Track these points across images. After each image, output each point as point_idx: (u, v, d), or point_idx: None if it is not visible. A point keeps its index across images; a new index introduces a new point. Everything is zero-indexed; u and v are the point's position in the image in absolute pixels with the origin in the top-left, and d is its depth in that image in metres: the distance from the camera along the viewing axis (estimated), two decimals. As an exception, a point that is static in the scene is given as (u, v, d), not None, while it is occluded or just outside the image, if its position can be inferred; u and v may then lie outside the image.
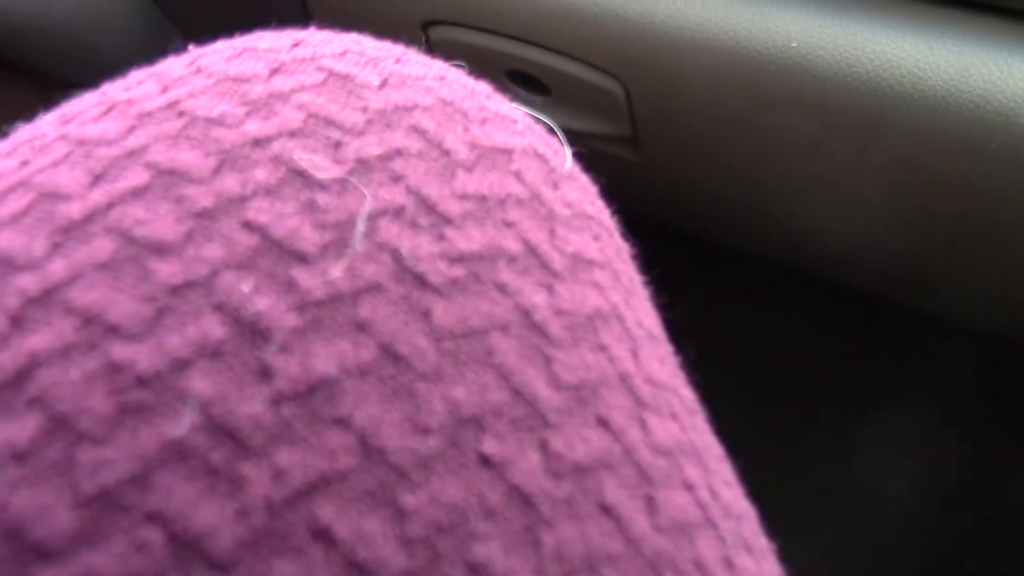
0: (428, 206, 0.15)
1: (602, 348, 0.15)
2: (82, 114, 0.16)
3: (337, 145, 0.15)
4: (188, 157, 0.14)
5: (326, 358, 0.13)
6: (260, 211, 0.14)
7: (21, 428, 0.12)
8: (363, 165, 0.15)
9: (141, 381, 0.12)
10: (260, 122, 0.15)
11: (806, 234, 0.47)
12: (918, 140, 0.35)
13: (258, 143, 0.15)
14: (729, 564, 0.15)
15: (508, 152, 0.17)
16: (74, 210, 0.14)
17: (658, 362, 0.17)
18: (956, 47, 0.33)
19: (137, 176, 0.14)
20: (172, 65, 0.17)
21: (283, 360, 0.13)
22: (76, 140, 0.15)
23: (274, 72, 0.16)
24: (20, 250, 0.13)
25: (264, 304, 0.13)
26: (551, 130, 0.19)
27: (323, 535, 0.12)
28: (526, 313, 0.15)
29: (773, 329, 0.76)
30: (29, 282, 0.13)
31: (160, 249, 0.13)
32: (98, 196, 0.14)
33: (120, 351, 0.12)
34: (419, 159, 0.15)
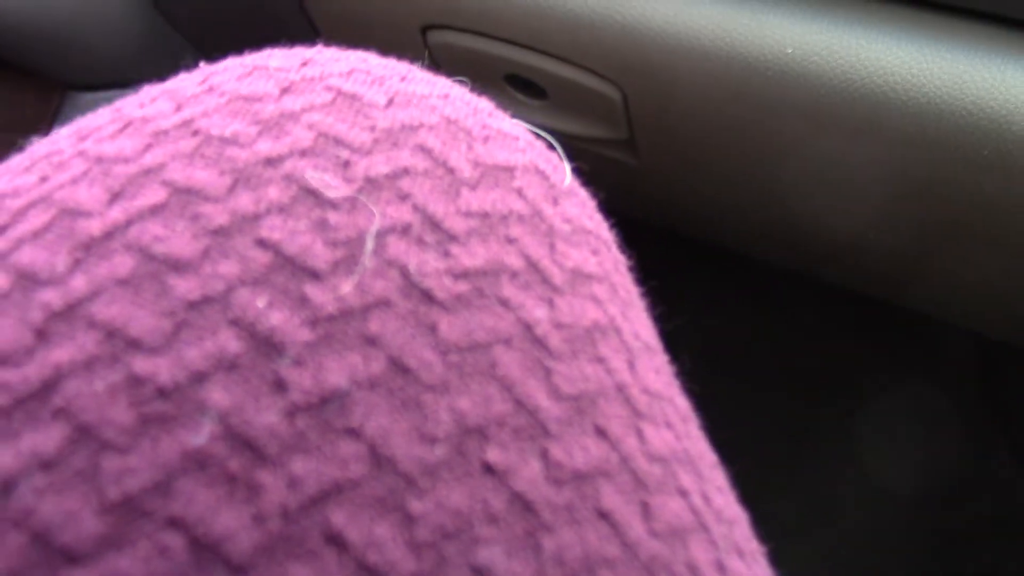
0: (434, 223, 0.16)
1: (600, 360, 0.16)
2: (98, 131, 0.16)
3: (346, 164, 0.16)
4: (203, 175, 0.15)
5: (338, 371, 0.14)
6: (273, 229, 0.14)
7: (47, 437, 0.12)
8: (371, 184, 0.15)
9: (162, 393, 0.13)
10: (272, 141, 0.16)
11: (800, 236, 0.47)
12: (912, 146, 0.35)
13: (270, 162, 0.15)
14: (721, 567, 0.16)
15: (510, 169, 0.17)
16: (94, 227, 0.14)
17: (654, 372, 0.17)
18: (950, 54, 0.33)
19: (154, 194, 0.15)
20: (184, 83, 0.17)
21: (297, 373, 0.13)
22: (94, 157, 0.16)
23: (284, 91, 0.17)
24: (43, 266, 0.14)
25: (278, 319, 0.14)
26: (551, 146, 0.20)
27: (336, 540, 0.13)
28: (528, 327, 0.15)
29: (770, 329, 0.76)
30: (52, 297, 0.13)
31: (178, 265, 0.14)
32: (117, 213, 0.14)
33: (141, 364, 0.13)
34: (425, 177, 0.16)
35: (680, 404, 0.18)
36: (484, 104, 0.19)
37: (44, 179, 0.16)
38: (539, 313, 0.16)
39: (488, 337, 0.15)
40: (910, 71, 0.33)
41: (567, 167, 0.19)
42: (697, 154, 0.44)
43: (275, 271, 0.14)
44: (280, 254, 0.14)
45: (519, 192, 0.17)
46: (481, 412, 0.14)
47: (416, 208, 0.16)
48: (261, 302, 0.14)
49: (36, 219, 0.15)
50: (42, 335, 0.13)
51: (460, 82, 0.19)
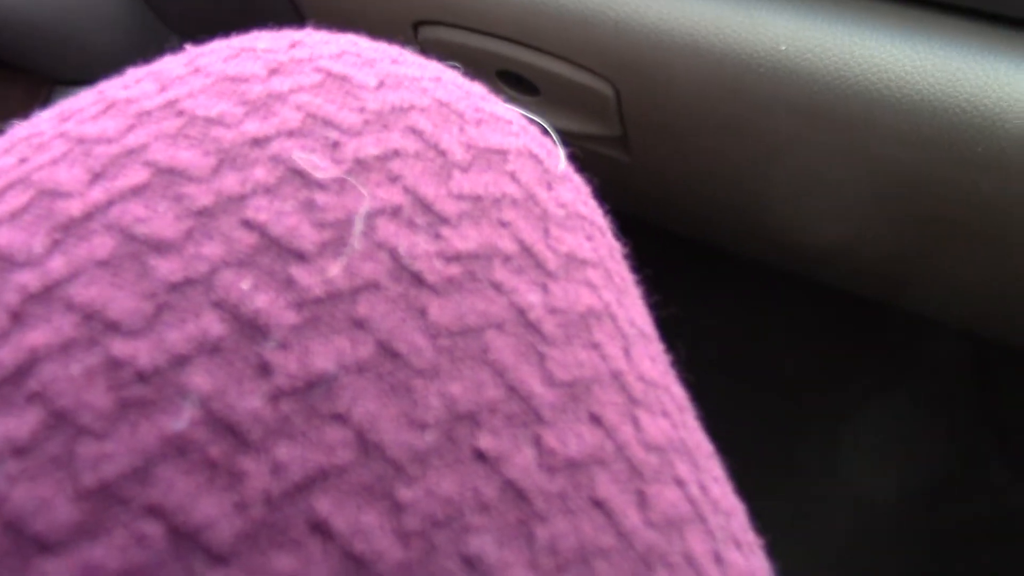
0: (425, 206, 0.15)
1: (595, 346, 0.16)
2: (80, 112, 0.16)
3: (335, 145, 0.15)
4: (187, 156, 0.15)
5: (324, 355, 0.13)
6: (259, 210, 0.14)
7: (21, 423, 0.12)
8: (361, 165, 0.15)
9: (141, 377, 0.12)
10: (259, 122, 0.15)
11: (792, 235, 0.47)
12: (905, 143, 0.35)
13: (257, 142, 0.15)
14: (718, 558, 0.15)
15: (503, 153, 0.17)
16: (74, 207, 0.14)
17: (650, 360, 0.17)
18: (943, 52, 0.33)
19: (136, 174, 0.14)
20: (170, 64, 0.17)
21: (282, 356, 0.13)
22: (75, 138, 0.15)
23: (272, 72, 0.16)
24: (20, 247, 0.13)
25: (263, 301, 0.13)
26: (545, 131, 0.19)
27: (321, 528, 0.12)
28: (521, 311, 0.15)
29: (761, 329, 0.76)
30: (29, 279, 0.13)
31: (160, 247, 0.13)
32: (98, 194, 0.14)
33: (120, 347, 0.13)
34: (416, 159, 0.16)
35: (676, 393, 0.18)
36: (477, 88, 0.19)
37: (23, 160, 0.15)
38: (532, 298, 0.15)
39: (480, 321, 0.14)
40: (903, 68, 0.33)
41: (561, 152, 0.19)
42: (690, 151, 0.44)
43: (260, 253, 0.14)
44: (266, 235, 0.14)
45: (512, 176, 0.17)
46: (472, 398, 0.14)
47: (407, 190, 0.15)
48: (246, 284, 0.13)
49: (14, 200, 0.14)
50: (17, 318, 0.13)
51: (452, 67, 0.19)
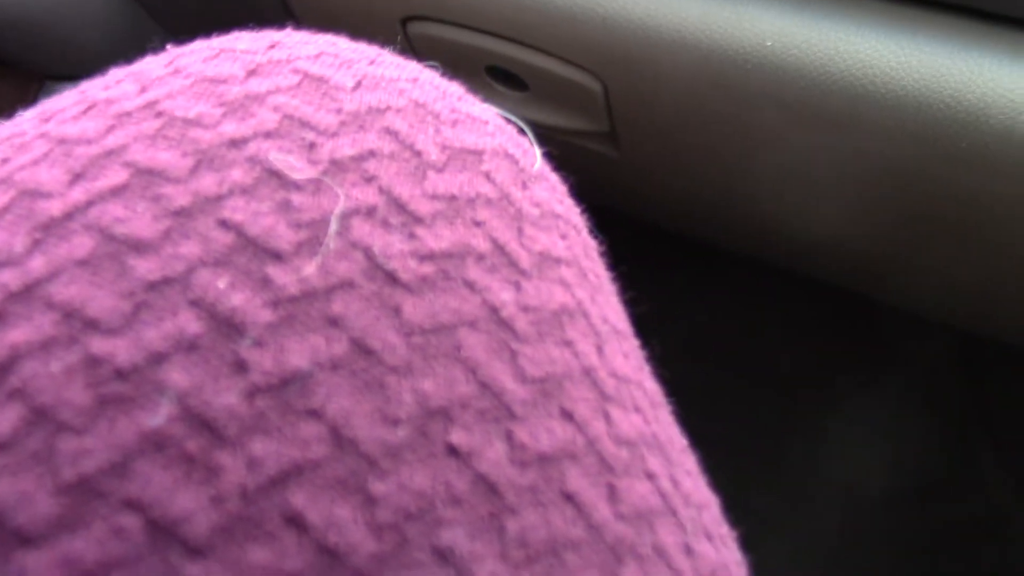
0: (399, 206, 0.15)
1: (567, 343, 0.16)
2: (61, 112, 0.16)
3: (311, 146, 0.15)
4: (166, 157, 0.15)
5: (299, 352, 0.13)
6: (236, 210, 0.14)
7: (3, 419, 0.12)
8: (336, 166, 0.15)
9: (119, 374, 0.13)
10: (236, 123, 0.15)
11: (778, 229, 0.48)
12: (890, 139, 0.35)
13: (234, 143, 0.15)
14: (689, 550, 0.16)
15: (478, 153, 0.17)
16: (54, 207, 0.14)
17: (623, 356, 0.17)
18: (928, 48, 0.33)
19: (116, 175, 0.15)
20: (150, 65, 0.17)
21: (258, 354, 0.13)
22: (56, 139, 0.15)
23: (250, 73, 0.17)
24: (1, 246, 0.14)
25: (239, 300, 0.14)
26: (521, 130, 0.20)
27: (295, 521, 0.13)
28: (494, 309, 0.15)
29: (756, 325, 0.76)
30: (9, 277, 0.13)
31: (138, 246, 0.14)
32: (78, 194, 0.14)
33: (99, 345, 0.13)
34: (391, 160, 0.16)
35: (649, 388, 0.18)
36: (454, 88, 0.19)
37: (4, 160, 0.15)
38: (505, 296, 0.16)
39: (453, 319, 0.15)
40: (888, 64, 0.34)
41: (537, 152, 0.19)
42: (677, 146, 0.44)
43: (237, 252, 0.14)
44: (242, 235, 0.14)
45: (487, 175, 0.17)
46: (445, 394, 0.14)
47: (382, 190, 0.15)
48: (222, 283, 0.14)
49: None
50: None
51: (431, 67, 0.19)
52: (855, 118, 0.35)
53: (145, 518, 0.12)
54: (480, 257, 0.16)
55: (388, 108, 0.17)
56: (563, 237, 0.18)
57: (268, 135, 0.15)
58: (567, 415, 0.15)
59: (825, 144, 0.38)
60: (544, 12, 0.40)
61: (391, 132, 0.16)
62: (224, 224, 0.14)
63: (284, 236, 0.14)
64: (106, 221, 0.14)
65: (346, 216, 0.15)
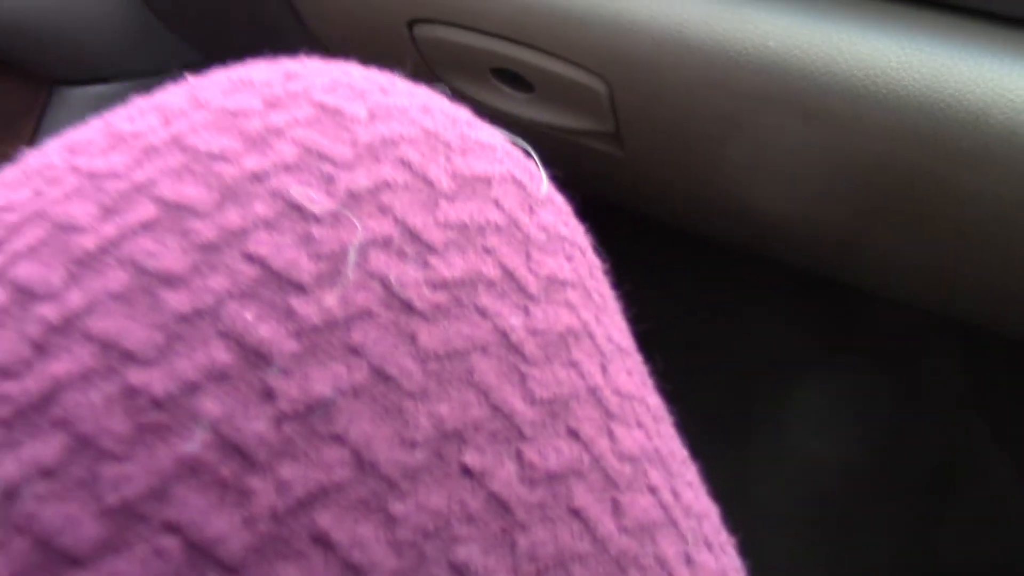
0: (413, 235, 0.16)
1: (573, 364, 0.17)
2: (89, 145, 0.17)
3: (329, 179, 0.16)
4: (193, 191, 0.15)
5: (323, 380, 0.14)
6: (260, 243, 0.15)
7: (47, 447, 0.13)
8: (353, 198, 0.16)
9: (156, 403, 0.13)
10: (258, 156, 0.16)
11: (779, 226, 0.48)
12: (891, 138, 0.35)
13: (256, 177, 0.16)
14: (689, 560, 0.17)
15: (487, 180, 0.18)
16: (88, 242, 0.15)
17: (626, 374, 0.18)
18: (929, 48, 0.33)
19: (146, 209, 0.15)
20: (172, 97, 0.18)
21: (284, 382, 0.14)
22: (86, 173, 0.16)
23: (269, 106, 0.17)
24: (40, 281, 0.14)
25: (266, 331, 0.14)
26: (528, 153, 0.20)
27: (322, 540, 0.13)
28: (504, 334, 0.16)
29: (759, 317, 0.77)
30: (50, 311, 0.14)
31: (169, 280, 0.14)
32: (110, 229, 0.15)
33: (136, 375, 0.14)
34: (405, 190, 0.17)
35: (652, 403, 0.19)
36: (462, 114, 0.19)
37: (38, 194, 0.16)
38: (515, 321, 0.16)
39: (466, 345, 0.16)
40: (890, 64, 0.34)
41: (543, 175, 0.20)
42: (681, 145, 0.44)
43: (262, 284, 0.15)
44: (267, 268, 0.15)
45: (496, 202, 0.18)
46: (459, 417, 0.15)
47: (396, 221, 0.16)
48: (249, 315, 0.14)
49: (31, 234, 0.15)
50: (41, 348, 0.14)
51: (439, 90, 0.20)
52: (856, 117, 0.35)
53: (184, 539, 0.13)
54: (490, 284, 0.16)
55: (401, 139, 0.17)
56: (569, 259, 0.18)
57: (288, 168, 0.16)
58: (573, 434, 0.16)
59: (827, 143, 0.38)
60: (550, 15, 0.40)
61: (404, 163, 0.17)
62: (249, 257, 0.15)
63: (306, 268, 0.15)
64: (138, 255, 0.15)
65: (363, 247, 0.16)
